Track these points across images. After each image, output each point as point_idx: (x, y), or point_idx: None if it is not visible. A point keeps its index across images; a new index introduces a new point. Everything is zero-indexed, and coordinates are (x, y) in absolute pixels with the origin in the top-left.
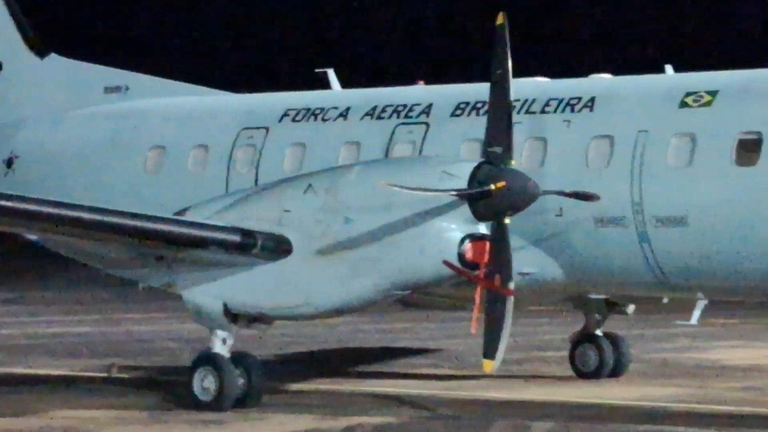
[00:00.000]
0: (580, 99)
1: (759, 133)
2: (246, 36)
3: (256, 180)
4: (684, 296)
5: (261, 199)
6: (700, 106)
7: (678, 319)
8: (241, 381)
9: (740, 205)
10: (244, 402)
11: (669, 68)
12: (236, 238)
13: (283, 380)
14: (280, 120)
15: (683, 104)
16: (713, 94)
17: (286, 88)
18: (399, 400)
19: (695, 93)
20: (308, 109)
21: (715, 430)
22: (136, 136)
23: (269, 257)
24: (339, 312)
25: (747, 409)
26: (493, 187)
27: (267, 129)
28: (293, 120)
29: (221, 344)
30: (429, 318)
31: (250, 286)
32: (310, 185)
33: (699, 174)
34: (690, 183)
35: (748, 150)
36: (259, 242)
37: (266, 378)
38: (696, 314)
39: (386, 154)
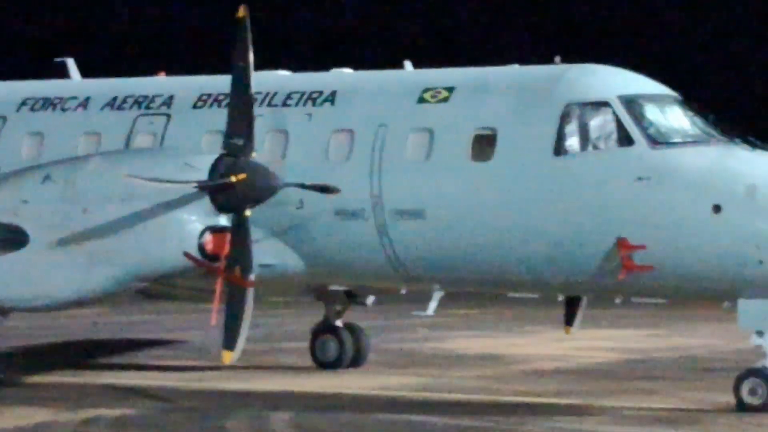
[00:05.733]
0: (321, 93)
1: (494, 129)
2: None
3: None
4: (421, 288)
5: None
6: (437, 101)
7: (416, 309)
8: None
9: (475, 199)
10: None
11: (408, 64)
12: None
13: (20, 373)
14: (18, 109)
15: (421, 99)
16: (450, 90)
17: (24, 77)
18: (139, 392)
19: (433, 89)
20: (47, 99)
21: (450, 418)
22: None
23: (4, 248)
24: (77, 304)
25: (480, 397)
26: (233, 179)
27: (4, 118)
28: (31, 109)
29: None
30: (171, 309)
31: None
32: (48, 175)
33: (436, 168)
34: (427, 177)
35: (483, 145)
36: None
37: (2, 371)
38: (433, 305)
39: (127, 145)
